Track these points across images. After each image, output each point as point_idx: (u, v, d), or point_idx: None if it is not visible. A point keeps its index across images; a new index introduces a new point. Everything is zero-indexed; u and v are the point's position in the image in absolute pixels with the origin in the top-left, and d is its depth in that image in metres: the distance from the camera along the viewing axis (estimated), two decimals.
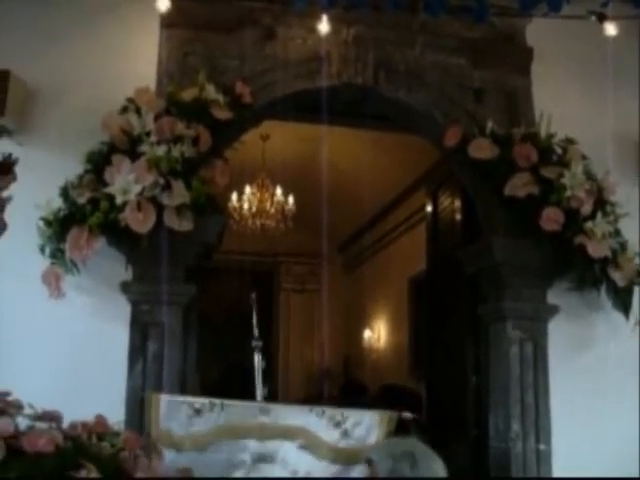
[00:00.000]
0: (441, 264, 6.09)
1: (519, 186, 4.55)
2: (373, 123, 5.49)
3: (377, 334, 11.13)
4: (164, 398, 3.79)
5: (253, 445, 3.68)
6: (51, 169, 4.21)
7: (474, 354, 5.24)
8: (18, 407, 3.08)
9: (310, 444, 3.60)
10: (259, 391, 3.94)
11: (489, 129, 4.71)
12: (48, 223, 4.07)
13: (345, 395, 10.81)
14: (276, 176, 9.05)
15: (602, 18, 4.45)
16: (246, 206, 8.88)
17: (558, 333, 4.79)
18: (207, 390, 5.52)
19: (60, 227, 4.03)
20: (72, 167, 4.12)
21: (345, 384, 11.70)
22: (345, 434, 3.55)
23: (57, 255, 4.11)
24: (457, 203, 5.70)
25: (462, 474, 5.19)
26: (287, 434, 3.67)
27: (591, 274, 4.58)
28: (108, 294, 4.29)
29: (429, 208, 6.45)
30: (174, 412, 3.75)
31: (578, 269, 4.58)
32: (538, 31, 5.11)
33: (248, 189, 8.92)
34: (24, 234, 3.98)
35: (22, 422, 3.05)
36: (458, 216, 5.68)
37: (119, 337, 4.27)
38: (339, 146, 7.90)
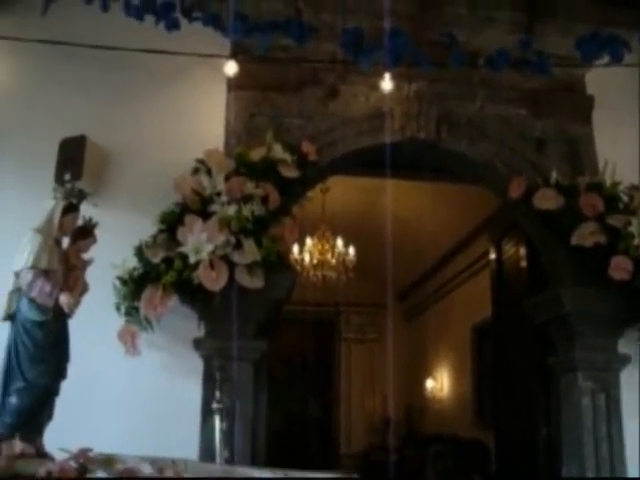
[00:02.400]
0: (506, 312, 6.06)
1: (586, 235, 4.54)
2: (435, 176, 5.55)
3: (440, 383, 11.02)
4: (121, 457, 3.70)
5: None
6: (125, 229, 4.34)
7: (544, 405, 5.17)
8: (99, 463, 3.13)
9: None
10: (219, 454, 3.88)
11: (553, 179, 4.73)
12: (124, 282, 4.19)
13: (409, 446, 10.74)
14: (336, 227, 9.11)
15: None
16: (307, 258, 8.94)
17: (631, 383, 4.71)
18: (269, 440, 5.49)
19: (135, 286, 4.15)
20: (146, 227, 4.25)
21: (407, 435, 11.60)
22: None
23: (132, 313, 4.22)
24: (522, 251, 5.68)
25: None
26: None
27: None
28: (181, 350, 4.39)
29: (493, 256, 6.43)
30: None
31: None
32: (598, 79, 5.14)
33: (309, 241, 8.99)
34: (100, 293, 4.07)
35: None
36: (523, 263, 5.66)
37: (192, 393, 4.34)
38: (398, 196, 7.95)
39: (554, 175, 4.76)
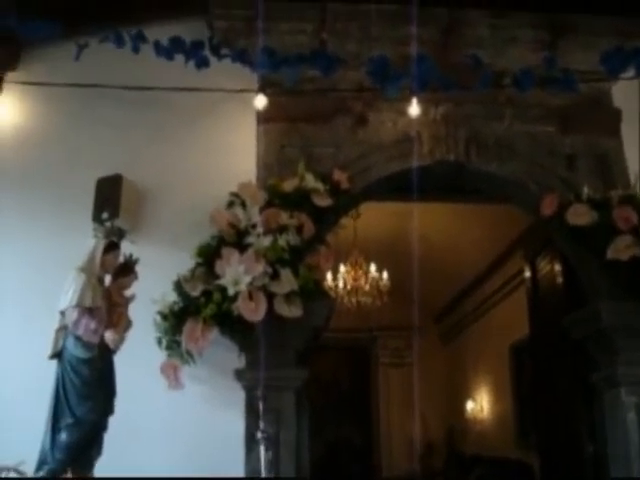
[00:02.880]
0: (544, 330, 6.02)
1: (621, 249, 4.52)
2: (466, 197, 5.56)
3: (480, 404, 10.93)
4: None
5: None
6: (164, 264, 4.38)
7: (588, 422, 5.11)
8: None
9: None
10: None
11: (585, 194, 4.72)
12: (164, 317, 4.23)
13: (452, 468, 10.66)
14: (369, 252, 9.12)
15: None
16: (341, 284, 8.96)
17: None
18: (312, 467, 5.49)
19: (176, 320, 4.18)
20: (183, 262, 4.31)
21: (449, 457, 11.50)
22: None
23: (173, 346, 4.25)
24: (557, 267, 5.66)
25: None
26: None
27: None
28: (222, 382, 4.41)
29: (528, 274, 6.41)
30: None
31: None
32: (624, 91, 5.14)
33: (342, 268, 9.01)
34: (141, 327, 4.13)
35: None
36: (559, 280, 5.63)
37: (234, 423, 4.36)
38: (429, 219, 7.97)
39: (586, 190, 4.75)
